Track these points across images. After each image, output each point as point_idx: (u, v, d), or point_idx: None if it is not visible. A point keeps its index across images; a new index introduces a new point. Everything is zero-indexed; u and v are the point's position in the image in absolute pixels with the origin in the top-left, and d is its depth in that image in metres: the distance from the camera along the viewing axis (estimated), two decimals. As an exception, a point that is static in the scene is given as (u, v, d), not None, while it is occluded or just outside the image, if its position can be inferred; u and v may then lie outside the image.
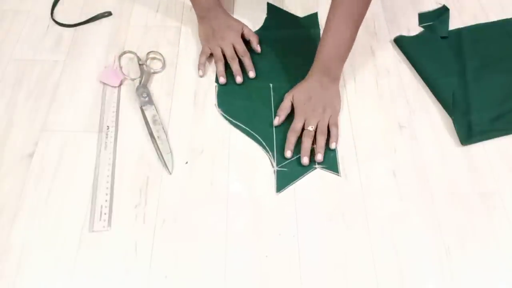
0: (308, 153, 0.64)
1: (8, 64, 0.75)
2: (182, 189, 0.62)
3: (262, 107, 0.71)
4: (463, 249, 0.58)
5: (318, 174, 0.64)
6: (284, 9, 0.85)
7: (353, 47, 0.68)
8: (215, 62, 0.75)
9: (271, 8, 0.85)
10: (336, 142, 0.66)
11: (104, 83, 0.72)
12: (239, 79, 0.73)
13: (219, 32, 0.75)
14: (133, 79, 0.73)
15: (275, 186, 0.63)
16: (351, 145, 0.67)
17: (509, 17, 0.83)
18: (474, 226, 0.60)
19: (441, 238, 0.59)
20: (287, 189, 0.62)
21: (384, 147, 0.67)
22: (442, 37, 0.80)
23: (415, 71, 0.76)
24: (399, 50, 0.78)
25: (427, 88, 0.73)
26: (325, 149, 0.65)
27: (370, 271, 0.56)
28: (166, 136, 0.66)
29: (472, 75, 0.73)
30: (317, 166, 0.65)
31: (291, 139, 0.65)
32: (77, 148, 0.65)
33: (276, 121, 0.68)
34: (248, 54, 0.75)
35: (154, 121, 0.68)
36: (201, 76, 0.74)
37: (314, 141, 0.66)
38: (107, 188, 0.61)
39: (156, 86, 0.73)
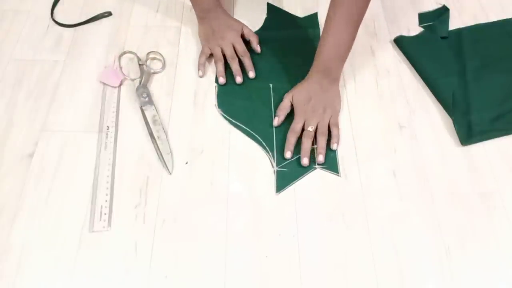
0: (308, 153, 0.64)
1: (8, 64, 0.75)
2: (182, 189, 0.62)
3: (262, 107, 0.71)
4: (463, 249, 0.58)
5: (318, 174, 0.64)
6: (284, 9, 0.85)
7: (353, 47, 0.68)
8: (215, 62, 0.75)
9: (271, 8, 0.85)
10: (338, 142, 0.66)
11: (104, 83, 0.72)
12: (239, 79, 0.73)
13: (219, 32, 0.75)
14: (133, 79, 0.73)
15: (275, 186, 0.63)
16: (351, 145, 0.67)
17: (509, 17, 0.83)
18: (474, 226, 0.60)
19: (441, 238, 0.59)
20: (287, 189, 0.62)
21: (384, 147, 0.67)
22: (442, 37, 0.79)
23: (415, 71, 0.76)
24: (399, 50, 0.78)
25: (427, 88, 0.73)
26: (326, 150, 0.65)
27: (370, 271, 0.56)
28: (166, 136, 0.66)
29: (472, 75, 0.73)
30: (317, 166, 0.65)
31: (291, 139, 0.65)
32: (77, 148, 0.65)
33: (276, 121, 0.68)
34: (248, 54, 0.75)
35: (154, 121, 0.68)
36: (201, 76, 0.74)
37: (314, 142, 0.66)
38: (107, 188, 0.61)
39: (156, 86, 0.73)
